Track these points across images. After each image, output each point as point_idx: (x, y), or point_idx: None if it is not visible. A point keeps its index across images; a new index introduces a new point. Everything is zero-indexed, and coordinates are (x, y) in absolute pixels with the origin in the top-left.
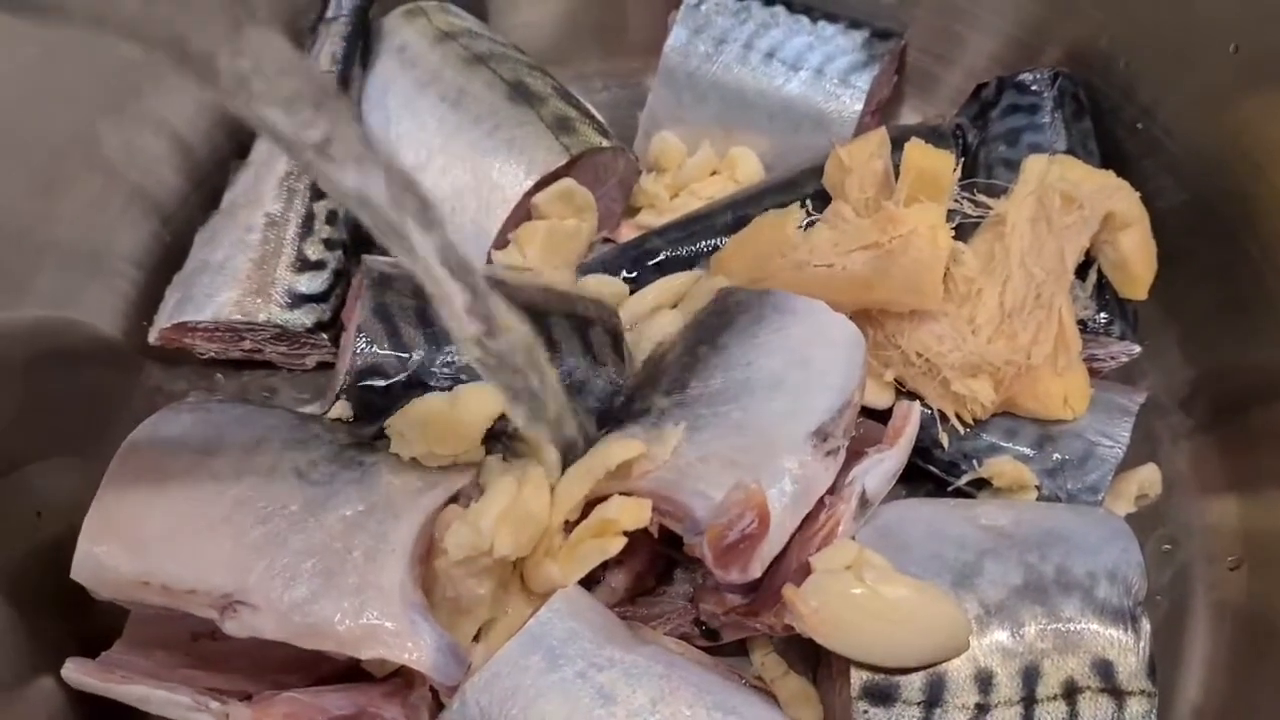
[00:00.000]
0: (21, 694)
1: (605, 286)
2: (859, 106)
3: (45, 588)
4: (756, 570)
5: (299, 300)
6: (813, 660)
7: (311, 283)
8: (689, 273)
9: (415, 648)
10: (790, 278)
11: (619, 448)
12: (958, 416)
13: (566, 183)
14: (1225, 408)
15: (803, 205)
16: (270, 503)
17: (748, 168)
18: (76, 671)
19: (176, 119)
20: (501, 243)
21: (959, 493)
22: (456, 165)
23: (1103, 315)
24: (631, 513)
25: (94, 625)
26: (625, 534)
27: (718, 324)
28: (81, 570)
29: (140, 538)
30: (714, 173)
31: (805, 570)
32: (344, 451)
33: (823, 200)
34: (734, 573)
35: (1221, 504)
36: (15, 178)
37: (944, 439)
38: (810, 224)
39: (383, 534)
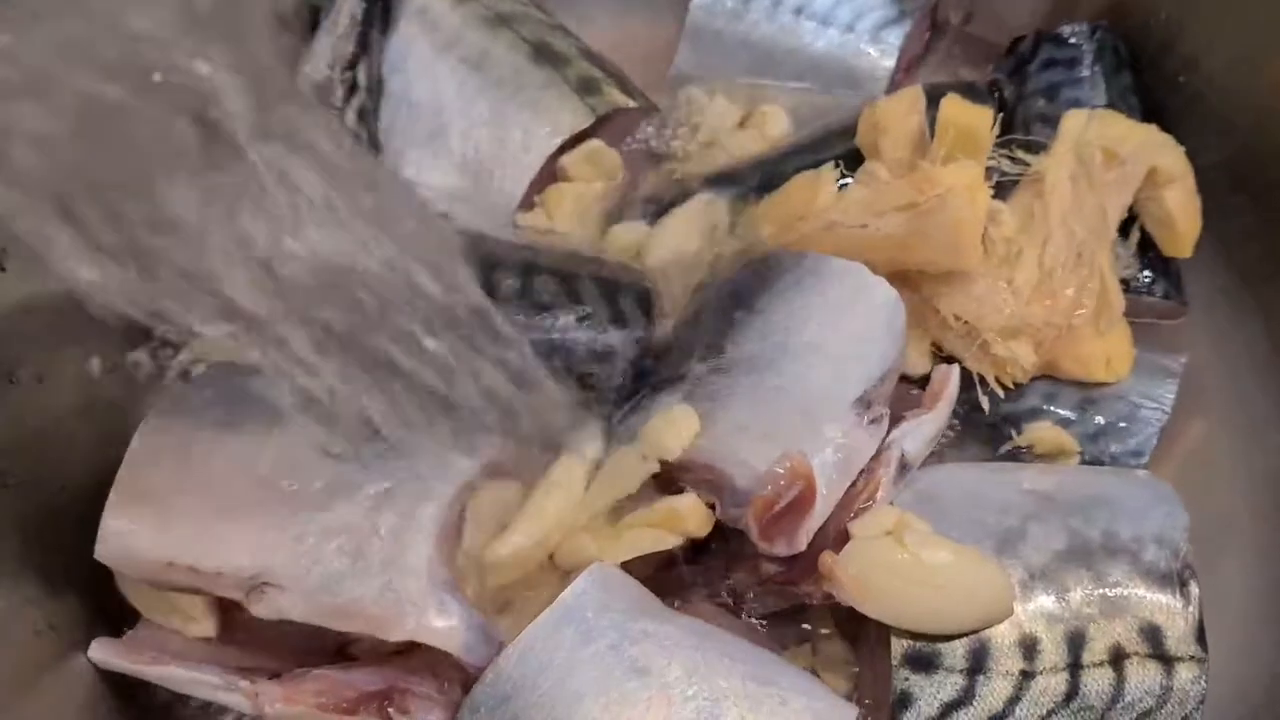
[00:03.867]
0: (52, 671)
1: (631, 234)
2: (891, 63)
3: (69, 562)
4: (802, 542)
5: None
6: (849, 626)
7: None
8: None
9: (444, 629)
10: (823, 239)
11: (670, 426)
12: (997, 380)
13: (593, 144)
14: (1274, 366)
15: (836, 166)
16: (294, 480)
17: (777, 126)
18: (103, 652)
19: None
20: (527, 205)
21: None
22: (479, 129)
23: (1146, 274)
24: (700, 518)
25: (120, 598)
26: None
27: (753, 287)
28: (106, 552)
29: (165, 519)
30: (741, 124)
31: (844, 537)
32: (367, 424)
33: (855, 160)
34: (780, 545)
35: (1271, 464)
36: None
37: (984, 403)
38: (843, 185)
39: (410, 511)
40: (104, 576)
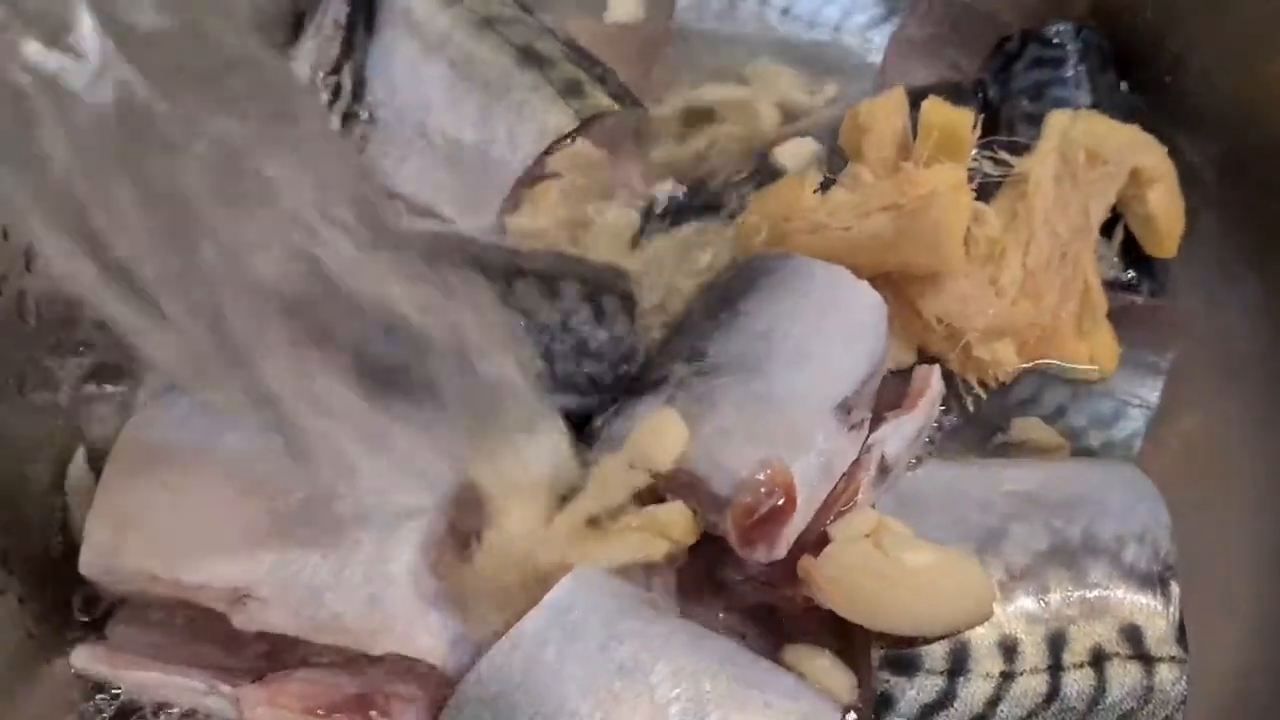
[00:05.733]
0: (32, 677)
1: (619, 220)
2: (878, 60)
3: (51, 569)
4: (782, 550)
5: None
6: (833, 628)
7: None
8: (698, 224)
9: (427, 643)
10: (807, 241)
11: (658, 436)
12: (980, 381)
13: (578, 145)
14: (1259, 361)
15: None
16: (277, 489)
17: (764, 123)
18: (86, 660)
19: None
20: (513, 205)
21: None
22: (465, 131)
23: (1131, 272)
24: (685, 526)
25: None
26: None
27: (737, 289)
28: (89, 567)
29: (147, 532)
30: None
31: (823, 540)
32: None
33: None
34: (760, 552)
35: (1264, 458)
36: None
37: (969, 403)
38: (826, 185)
39: (393, 522)
40: (85, 583)
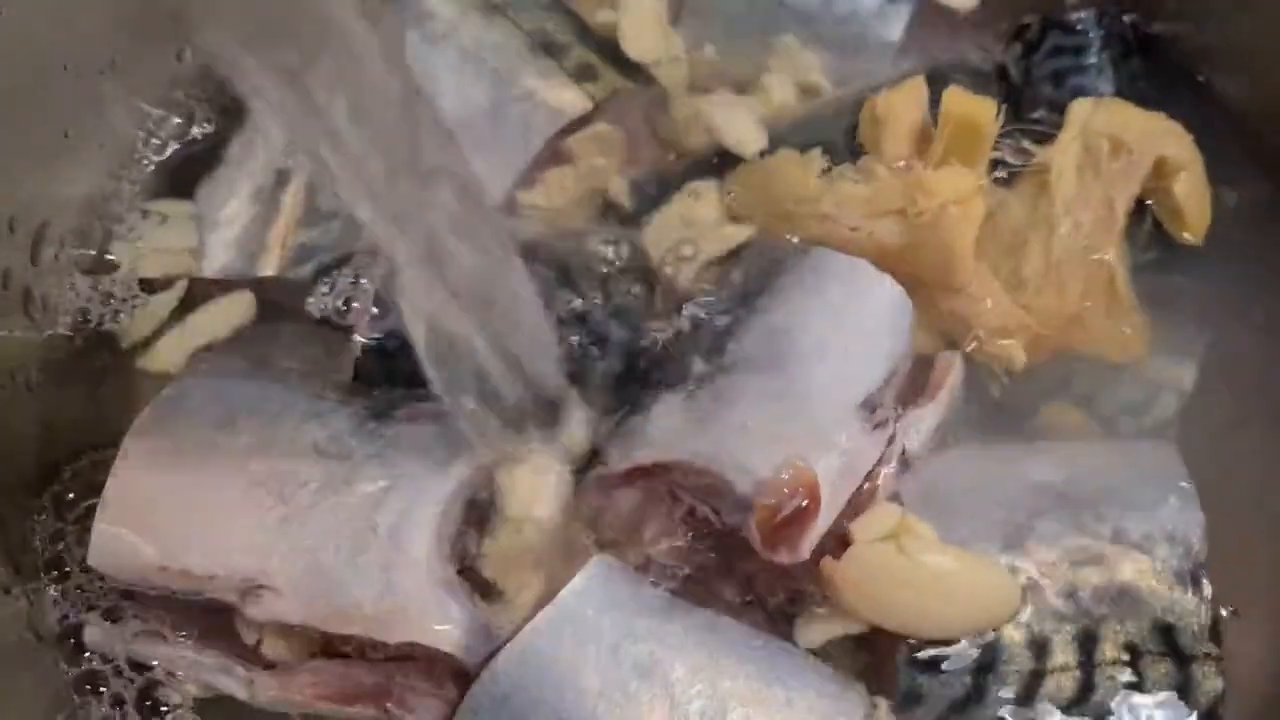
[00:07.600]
0: (30, 675)
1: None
2: (895, 38)
3: (53, 564)
4: (805, 552)
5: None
6: None
7: (324, 237)
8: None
9: (443, 630)
10: (815, 230)
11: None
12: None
13: (598, 126)
14: None
15: (825, 153)
16: (289, 480)
17: (779, 95)
18: (100, 635)
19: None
20: (528, 184)
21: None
22: (477, 119)
23: (1162, 255)
24: None
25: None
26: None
27: (756, 285)
28: (98, 556)
29: (157, 522)
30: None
31: (844, 540)
32: (364, 423)
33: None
34: (783, 554)
35: None
36: (22, 141)
37: (997, 390)
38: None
39: (407, 510)
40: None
